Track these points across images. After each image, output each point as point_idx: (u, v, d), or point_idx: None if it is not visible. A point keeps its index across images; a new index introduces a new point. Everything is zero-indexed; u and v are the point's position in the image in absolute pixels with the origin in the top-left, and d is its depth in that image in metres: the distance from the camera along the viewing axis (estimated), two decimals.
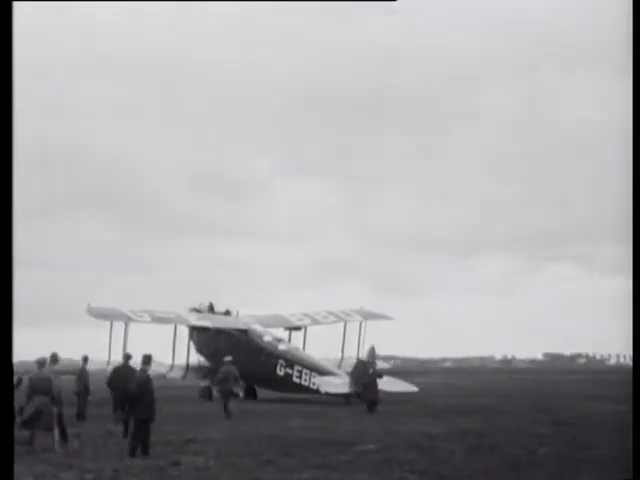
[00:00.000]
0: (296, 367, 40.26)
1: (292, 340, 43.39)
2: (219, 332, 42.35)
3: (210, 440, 22.40)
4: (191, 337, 42.95)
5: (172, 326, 41.12)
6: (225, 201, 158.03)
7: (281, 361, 40.55)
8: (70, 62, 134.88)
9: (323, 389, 38.14)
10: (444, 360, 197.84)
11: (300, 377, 39.81)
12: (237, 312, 44.78)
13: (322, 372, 39.70)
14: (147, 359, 19.80)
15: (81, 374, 31.03)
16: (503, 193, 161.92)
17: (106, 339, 38.59)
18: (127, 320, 38.89)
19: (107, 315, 39.16)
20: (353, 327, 43.76)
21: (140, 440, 18.98)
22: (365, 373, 34.46)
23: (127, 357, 28.09)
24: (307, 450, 20.22)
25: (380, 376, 33.72)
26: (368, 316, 43.93)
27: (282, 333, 43.48)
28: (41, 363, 21.14)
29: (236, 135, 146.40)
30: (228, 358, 31.79)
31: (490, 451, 20.05)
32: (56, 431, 20.69)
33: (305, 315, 44.52)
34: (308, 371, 39.75)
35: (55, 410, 20.85)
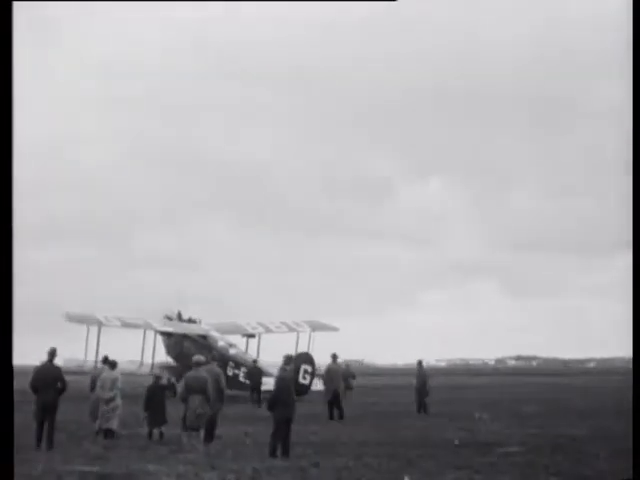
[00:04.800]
0: (242, 368, 46.70)
1: (249, 346, 50.15)
2: (184, 337, 48.84)
3: (350, 441, 22.35)
4: (162, 341, 49.41)
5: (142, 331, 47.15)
6: (353, 201, 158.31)
7: (231, 363, 46.97)
8: (197, 65, 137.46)
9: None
10: (588, 361, 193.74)
11: (245, 377, 45.86)
12: (200, 320, 51.03)
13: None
14: (288, 359, 19.52)
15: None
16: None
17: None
18: (100, 325, 43.65)
19: (82, 320, 44.06)
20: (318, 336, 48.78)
21: (280, 440, 18.94)
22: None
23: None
24: (448, 451, 19.97)
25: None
26: (317, 327, 49.36)
27: (239, 340, 50.52)
28: (199, 363, 21.12)
29: (362, 135, 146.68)
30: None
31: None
32: (202, 431, 20.77)
33: (259, 324, 51.02)
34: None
35: (209, 410, 20.91)
